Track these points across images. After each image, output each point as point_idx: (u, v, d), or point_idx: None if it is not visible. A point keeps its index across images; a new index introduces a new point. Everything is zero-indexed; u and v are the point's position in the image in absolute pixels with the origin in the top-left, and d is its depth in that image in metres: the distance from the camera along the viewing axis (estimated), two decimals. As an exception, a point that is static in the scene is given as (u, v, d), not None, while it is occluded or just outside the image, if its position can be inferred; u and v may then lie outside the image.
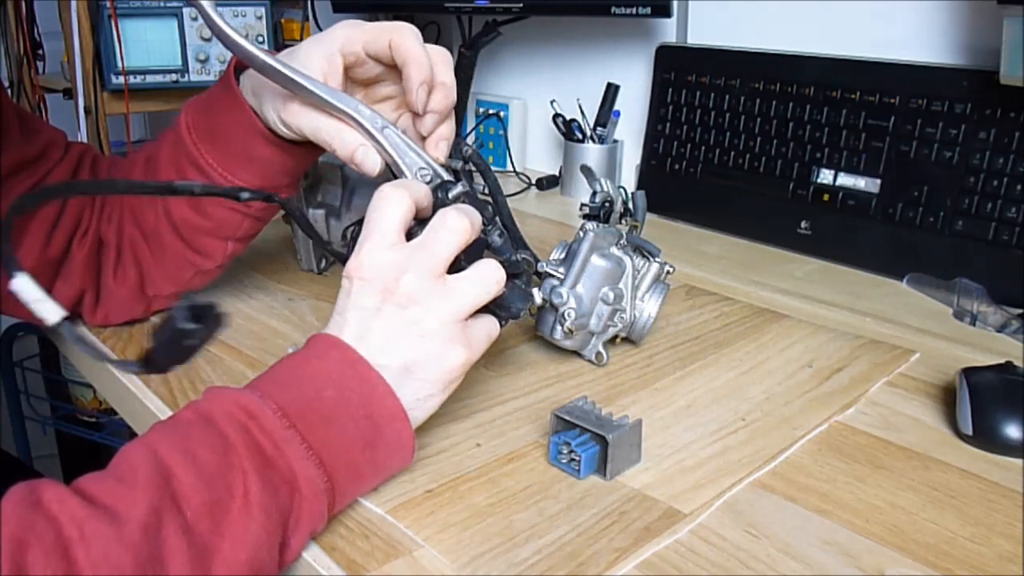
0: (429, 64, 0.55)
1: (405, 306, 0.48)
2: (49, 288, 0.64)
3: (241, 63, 0.60)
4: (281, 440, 0.42)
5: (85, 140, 1.13)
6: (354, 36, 0.56)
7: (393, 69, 0.57)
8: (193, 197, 0.62)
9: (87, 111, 1.13)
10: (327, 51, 0.55)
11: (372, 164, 0.55)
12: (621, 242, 0.64)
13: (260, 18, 1.15)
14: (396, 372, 0.47)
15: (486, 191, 0.63)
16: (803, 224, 0.91)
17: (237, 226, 0.64)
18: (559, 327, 0.61)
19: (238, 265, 0.68)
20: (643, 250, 0.65)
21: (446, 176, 0.55)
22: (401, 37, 0.55)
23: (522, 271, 0.57)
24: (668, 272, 0.66)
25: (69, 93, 1.16)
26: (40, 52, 1.29)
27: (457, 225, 0.49)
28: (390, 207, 0.49)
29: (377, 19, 1.44)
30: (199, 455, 0.40)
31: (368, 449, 0.45)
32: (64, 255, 0.64)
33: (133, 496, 0.37)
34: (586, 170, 0.69)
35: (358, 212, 0.75)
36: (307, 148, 0.60)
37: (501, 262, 0.52)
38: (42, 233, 0.62)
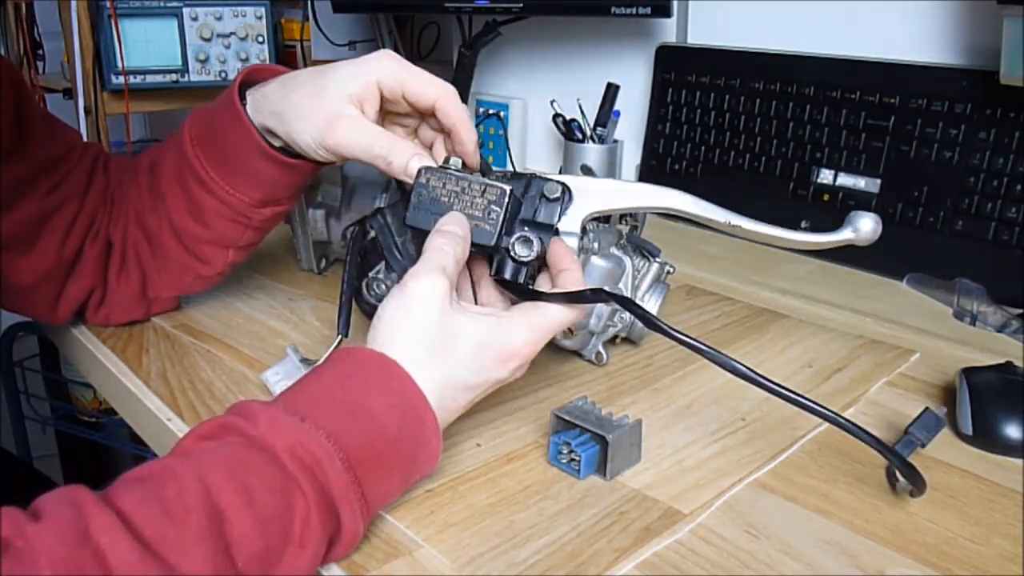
0: (473, 124, 0.57)
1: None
2: (62, 286, 0.65)
3: (248, 79, 0.60)
4: (343, 497, 0.41)
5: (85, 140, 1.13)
6: (399, 76, 0.56)
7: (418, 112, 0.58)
8: (197, 212, 0.62)
9: (87, 111, 1.12)
10: (366, 80, 0.55)
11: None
12: (621, 242, 0.64)
13: (260, 18, 1.15)
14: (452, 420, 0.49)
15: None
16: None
17: (239, 236, 0.64)
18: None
19: (238, 265, 0.68)
20: (643, 250, 0.65)
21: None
22: (448, 103, 0.55)
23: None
24: (668, 272, 0.66)
25: (69, 93, 1.16)
26: (40, 52, 1.29)
27: (565, 324, 0.50)
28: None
29: (378, 20, 1.45)
30: (256, 495, 0.38)
31: (402, 487, 0.46)
32: (78, 255, 0.64)
33: (185, 544, 0.35)
34: (586, 170, 0.69)
35: (358, 212, 0.75)
36: (310, 164, 0.60)
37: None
38: (60, 232, 0.62)
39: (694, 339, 0.46)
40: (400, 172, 0.54)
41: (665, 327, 0.47)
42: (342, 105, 0.55)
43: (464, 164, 0.55)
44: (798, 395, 0.46)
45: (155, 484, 0.37)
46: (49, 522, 0.34)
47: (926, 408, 0.48)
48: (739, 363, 0.46)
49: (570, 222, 0.53)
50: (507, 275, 0.51)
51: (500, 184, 0.51)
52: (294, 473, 0.39)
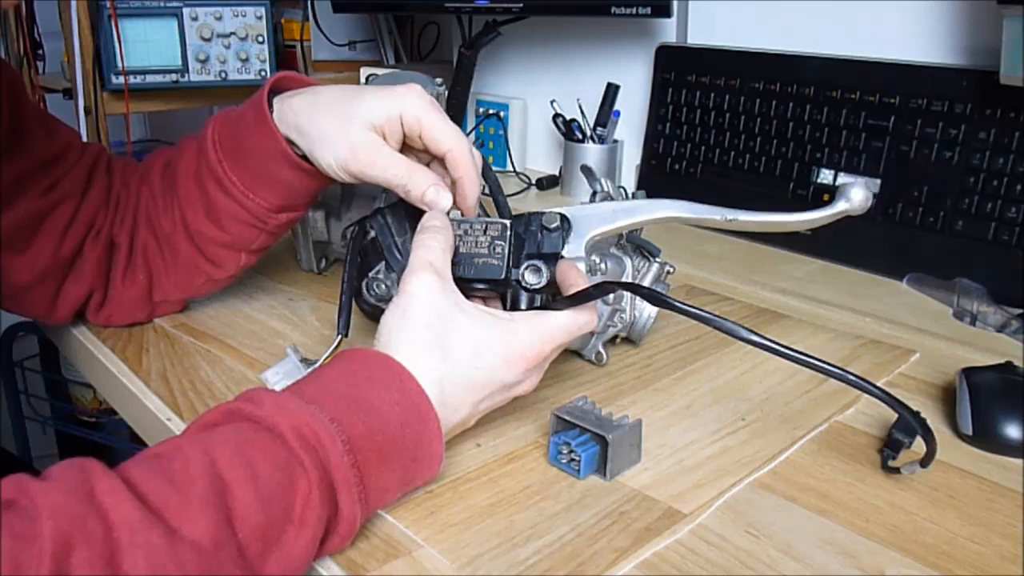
0: (479, 179, 0.58)
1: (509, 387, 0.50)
2: (59, 287, 0.65)
3: (277, 86, 0.61)
4: (343, 480, 0.41)
5: (85, 140, 1.13)
6: (419, 117, 0.56)
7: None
8: (214, 215, 0.63)
9: (87, 111, 1.12)
10: (391, 113, 0.56)
11: (445, 202, 0.56)
12: (621, 242, 0.64)
13: (260, 18, 1.15)
14: (458, 422, 0.49)
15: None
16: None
17: (253, 240, 0.64)
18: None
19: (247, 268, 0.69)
20: (643, 250, 0.65)
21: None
22: (458, 156, 0.56)
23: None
24: (668, 272, 0.66)
25: (69, 93, 1.16)
26: (40, 52, 1.29)
27: (574, 327, 0.51)
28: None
29: (378, 20, 1.45)
30: (260, 470, 0.39)
31: (403, 487, 0.46)
32: (76, 255, 0.64)
33: (188, 510, 0.36)
34: (586, 170, 0.69)
35: (358, 212, 0.75)
36: None
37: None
38: (56, 233, 0.62)
39: (700, 309, 0.47)
40: (418, 201, 0.56)
41: (671, 301, 0.48)
42: (366, 133, 0.56)
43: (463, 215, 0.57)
44: (809, 356, 0.46)
45: (162, 460, 0.38)
46: (54, 482, 0.35)
47: (900, 414, 0.48)
48: (747, 329, 0.46)
49: (574, 248, 0.54)
50: (523, 306, 0.52)
51: (499, 220, 0.54)
52: (298, 451, 0.40)
